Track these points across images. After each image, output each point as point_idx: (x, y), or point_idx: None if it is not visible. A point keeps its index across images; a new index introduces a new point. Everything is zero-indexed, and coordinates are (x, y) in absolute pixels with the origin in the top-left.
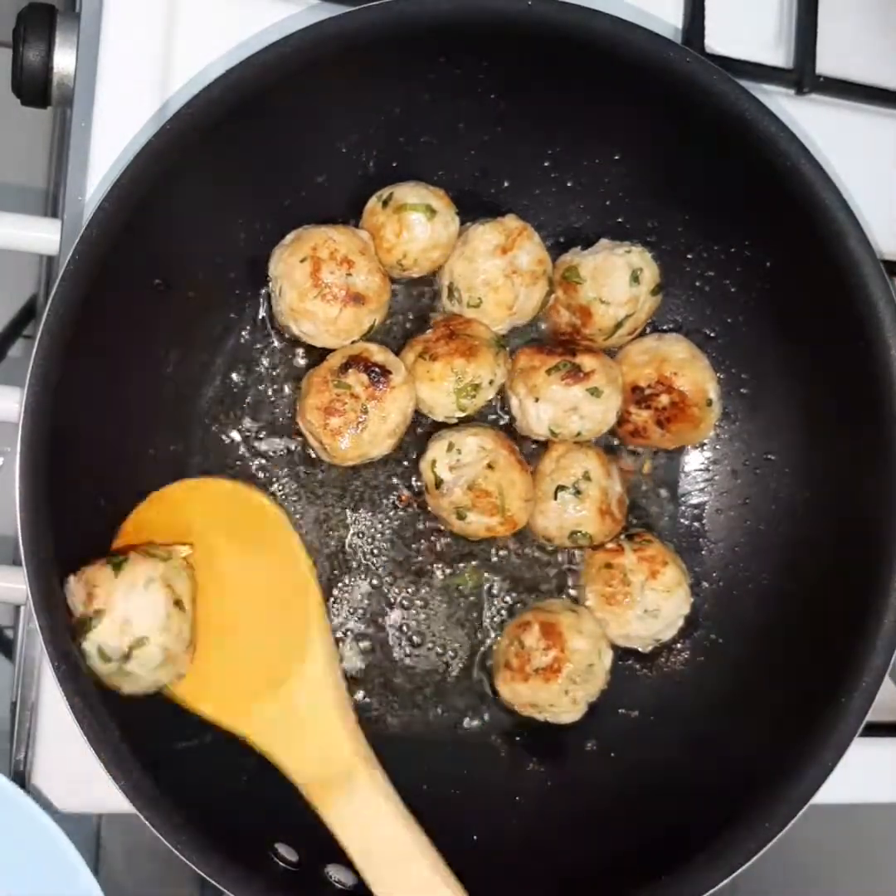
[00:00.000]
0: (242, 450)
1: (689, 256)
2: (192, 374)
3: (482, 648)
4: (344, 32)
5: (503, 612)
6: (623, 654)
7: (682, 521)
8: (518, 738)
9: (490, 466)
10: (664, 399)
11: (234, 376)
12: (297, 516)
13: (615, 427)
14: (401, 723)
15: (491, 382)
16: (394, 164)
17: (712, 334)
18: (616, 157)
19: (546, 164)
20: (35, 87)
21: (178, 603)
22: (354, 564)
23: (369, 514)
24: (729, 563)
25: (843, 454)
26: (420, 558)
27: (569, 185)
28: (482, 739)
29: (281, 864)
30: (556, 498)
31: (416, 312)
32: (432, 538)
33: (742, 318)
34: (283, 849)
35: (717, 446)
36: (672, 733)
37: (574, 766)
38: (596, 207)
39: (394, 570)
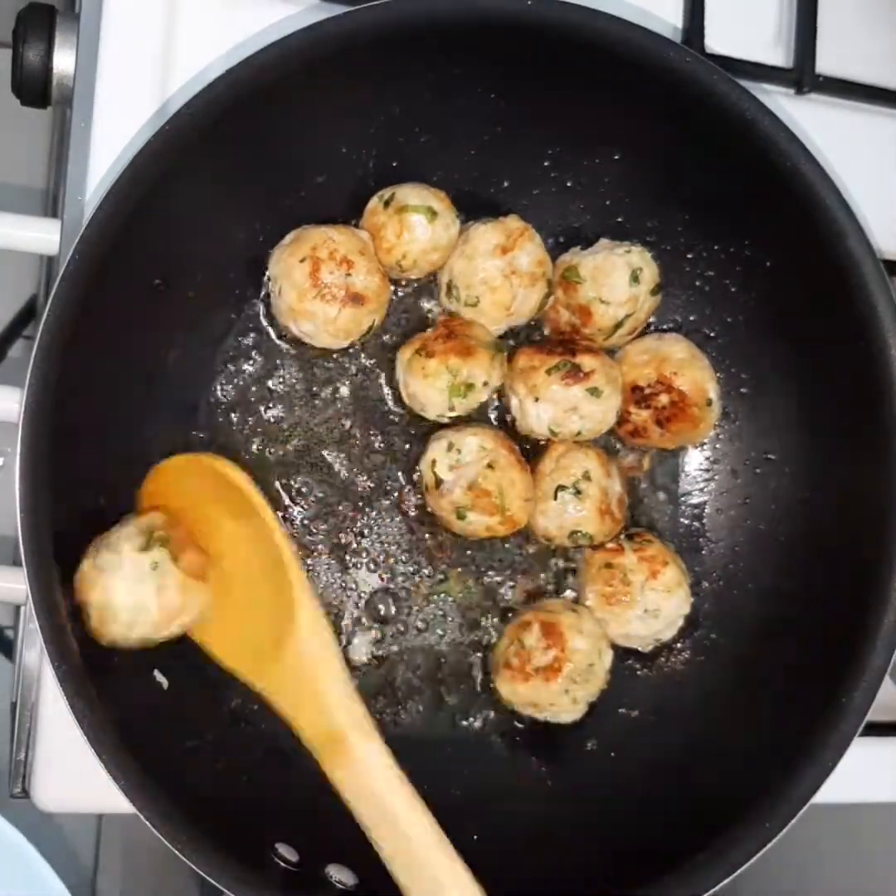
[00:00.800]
0: (242, 450)
1: (688, 256)
2: (193, 375)
3: (482, 648)
4: (343, 32)
5: (503, 611)
6: (623, 654)
7: (682, 520)
8: (518, 738)
9: (490, 466)
10: (664, 399)
11: (235, 377)
12: (300, 515)
13: (615, 427)
14: (400, 722)
15: (485, 384)
16: (394, 164)
17: (712, 334)
18: (616, 157)
19: (546, 163)
20: (35, 88)
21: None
22: (353, 564)
23: (373, 512)
24: (729, 562)
25: (843, 454)
26: (419, 558)
27: (569, 184)
28: (482, 739)
29: (281, 864)
30: (556, 498)
31: (417, 312)
32: (432, 538)
33: (742, 318)
34: (283, 849)
35: (717, 446)
36: (672, 733)
37: (574, 765)
38: (596, 207)
39: (394, 570)
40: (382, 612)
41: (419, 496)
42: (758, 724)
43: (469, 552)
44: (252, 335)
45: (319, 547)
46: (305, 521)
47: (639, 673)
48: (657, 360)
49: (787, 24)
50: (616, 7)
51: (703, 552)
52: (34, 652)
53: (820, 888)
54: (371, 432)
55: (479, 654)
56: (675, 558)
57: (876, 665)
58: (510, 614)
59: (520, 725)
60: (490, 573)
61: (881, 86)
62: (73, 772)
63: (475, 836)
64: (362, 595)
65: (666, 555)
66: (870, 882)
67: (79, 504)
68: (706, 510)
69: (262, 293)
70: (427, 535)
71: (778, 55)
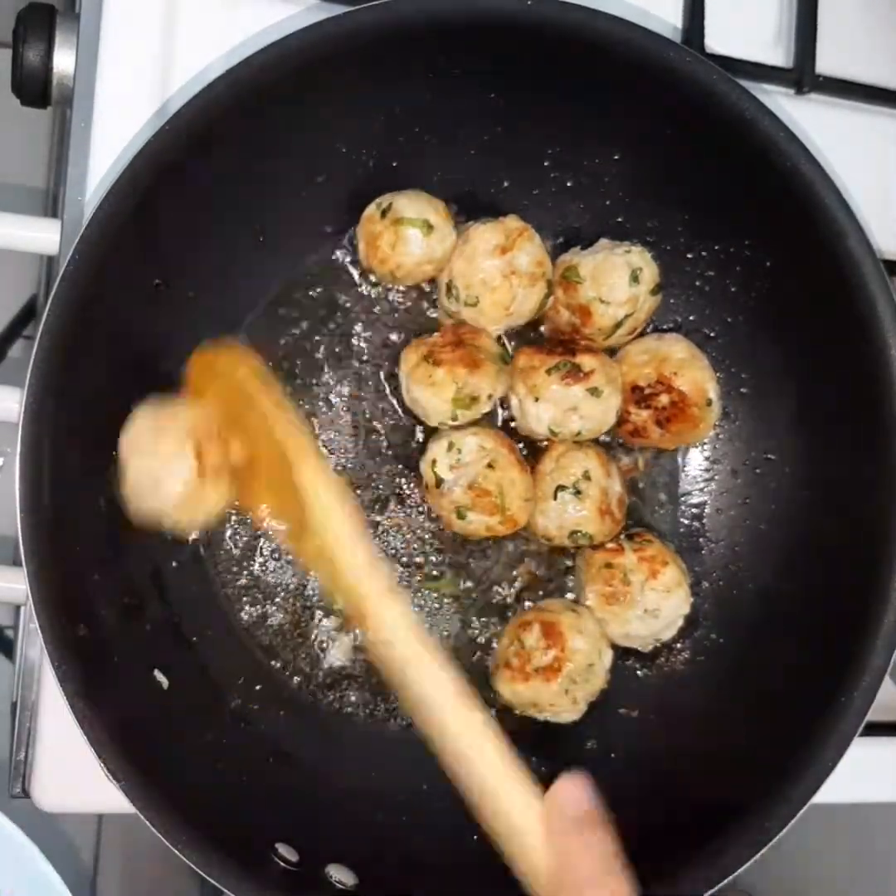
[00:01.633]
0: None
1: (688, 256)
2: None
3: (482, 648)
4: (343, 33)
5: (503, 610)
6: (623, 654)
7: (682, 520)
8: (518, 738)
9: (490, 466)
10: (664, 399)
11: None
12: None
13: (615, 427)
14: (400, 721)
15: (489, 396)
16: (394, 164)
17: (712, 334)
18: (616, 157)
19: (546, 163)
20: (35, 87)
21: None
22: None
23: (373, 513)
24: (729, 562)
25: (843, 454)
26: (419, 559)
27: (569, 184)
28: None
29: (281, 863)
30: (556, 498)
31: (417, 312)
32: (433, 538)
33: (742, 318)
34: (283, 849)
35: (717, 446)
36: (672, 733)
37: (574, 765)
38: (596, 207)
39: (394, 570)
40: None
41: (419, 494)
42: (758, 724)
43: (469, 551)
44: (252, 335)
45: None
46: None
47: (639, 673)
48: (657, 360)
49: (787, 24)
50: (616, 7)
51: (703, 552)
52: (34, 652)
53: (820, 888)
54: (370, 431)
55: (478, 654)
56: (674, 558)
57: (876, 665)
58: (509, 613)
59: (520, 725)
60: (490, 572)
61: (881, 86)
62: (73, 772)
63: (475, 836)
64: None
65: (666, 555)
66: (870, 882)
67: (79, 504)
68: (706, 510)
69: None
70: (428, 535)
71: (778, 55)
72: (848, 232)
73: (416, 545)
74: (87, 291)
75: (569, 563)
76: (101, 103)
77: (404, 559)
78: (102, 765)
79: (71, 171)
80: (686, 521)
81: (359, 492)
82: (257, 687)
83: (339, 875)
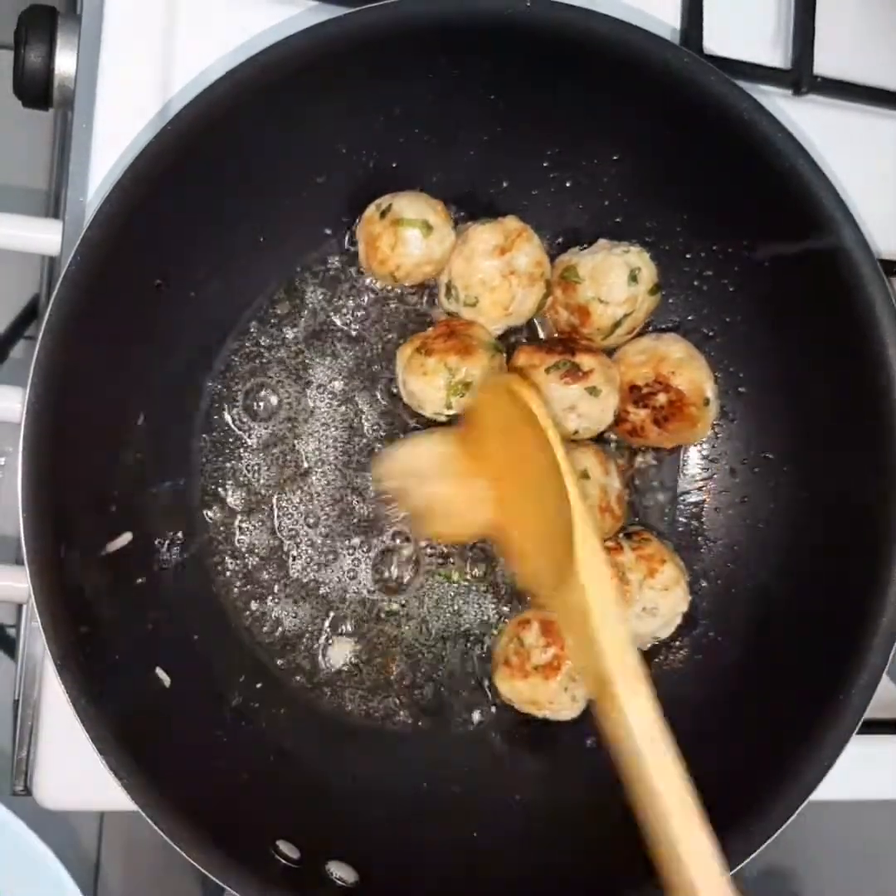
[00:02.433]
0: (242, 451)
1: (687, 256)
2: (194, 374)
3: (481, 646)
4: (344, 34)
5: (503, 610)
6: None
7: (680, 519)
8: (517, 735)
9: None
10: (662, 398)
11: (235, 376)
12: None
13: (613, 426)
14: (400, 719)
15: None
16: (394, 165)
17: (711, 333)
18: (615, 158)
19: (545, 164)
20: (36, 89)
21: None
22: (353, 557)
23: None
24: (727, 561)
25: (842, 453)
26: (416, 558)
27: (568, 185)
28: (481, 736)
29: (282, 860)
30: None
31: (417, 312)
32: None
33: (740, 318)
34: (284, 846)
35: (716, 445)
36: (670, 731)
37: (573, 763)
38: (594, 207)
39: (390, 563)
40: (380, 609)
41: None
42: (755, 721)
43: (466, 548)
44: (253, 336)
45: (318, 535)
46: (306, 515)
47: None
48: (655, 360)
49: (786, 25)
50: (614, 8)
51: (702, 551)
52: (36, 650)
53: (817, 884)
54: (369, 431)
55: (478, 652)
56: (673, 556)
57: (873, 663)
58: (510, 612)
59: (519, 723)
60: (490, 572)
61: (879, 86)
62: (75, 769)
63: (474, 833)
64: (360, 592)
65: (664, 553)
66: (868, 878)
67: (81, 503)
68: (704, 509)
69: (263, 293)
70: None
71: (776, 56)
72: (846, 232)
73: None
74: (88, 292)
75: None
76: (102, 105)
77: (407, 561)
78: (104, 762)
79: (72, 173)
80: (684, 520)
81: (358, 491)
82: (258, 685)
83: (340, 872)
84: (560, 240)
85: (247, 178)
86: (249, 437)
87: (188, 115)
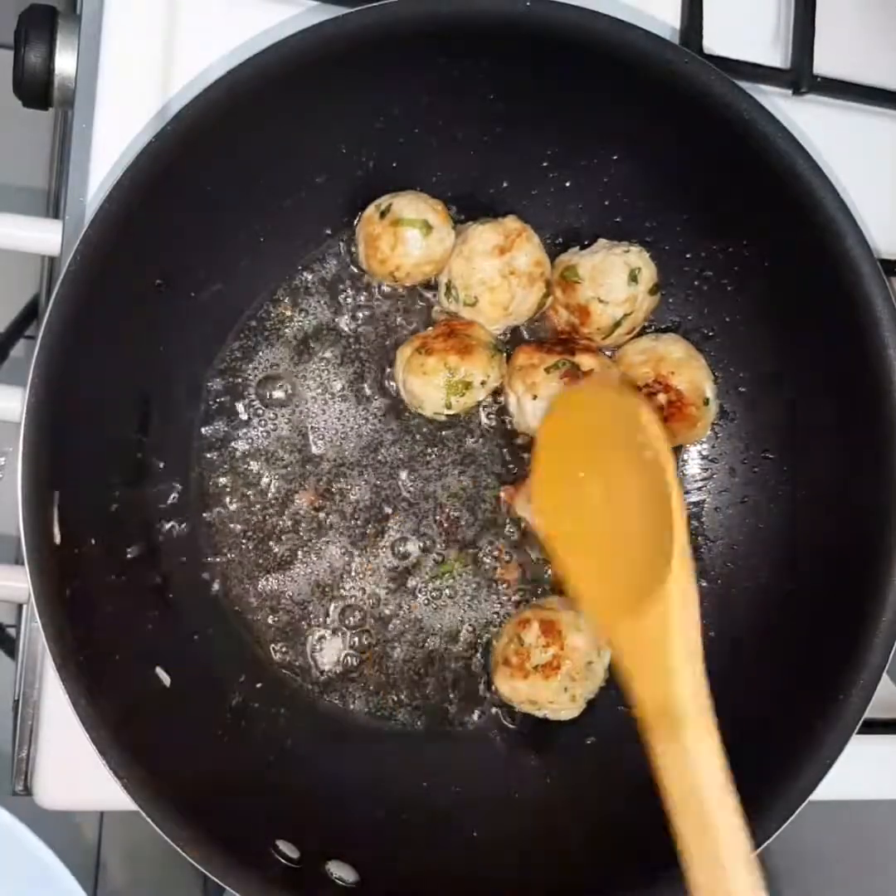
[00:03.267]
0: (242, 450)
1: (687, 256)
2: (194, 374)
3: (481, 645)
4: (343, 34)
5: (502, 609)
6: None
7: None
8: (517, 735)
9: None
10: (661, 398)
11: (235, 377)
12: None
13: None
14: (400, 719)
15: (483, 383)
16: (393, 165)
17: (710, 333)
18: (614, 158)
19: (545, 164)
20: (36, 89)
21: None
22: (354, 554)
23: (374, 508)
24: (727, 561)
25: (842, 453)
26: (417, 558)
27: (567, 185)
28: (481, 735)
29: (282, 860)
30: None
31: (417, 312)
32: (437, 524)
33: (740, 318)
34: (284, 846)
35: (716, 445)
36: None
37: (573, 762)
38: (594, 207)
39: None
40: (380, 608)
41: (419, 492)
42: (756, 721)
43: (472, 534)
44: (253, 336)
45: (318, 535)
46: (306, 515)
47: None
48: (655, 360)
49: (785, 24)
50: (614, 8)
51: (702, 550)
52: (36, 650)
53: (817, 884)
54: (369, 430)
55: (478, 651)
56: None
57: (873, 663)
58: (509, 612)
59: (519, 722)
60: (490, 571)
61: (879, 86)
62: (75, 769)
63: (475, 833)
64: (360, 591)
65: None
66: (868, 878)
67: (81, 503)
68: (704, 508)
69: (263, 293)
70: (430, 529)
71: (776, 56)
72: (845, 232)
73: (415, 537)
74: (88, 292)
75: None
76: (102, 104)
77: (406, 558)
78: (104, 762)
79: (72, 173)
80: None
81: (357, 492)
82: (258, 685)
83: (340, 872)
84: (560, 240)
85: (246, 178)
86: (249, 436)
87: (188, 115)
